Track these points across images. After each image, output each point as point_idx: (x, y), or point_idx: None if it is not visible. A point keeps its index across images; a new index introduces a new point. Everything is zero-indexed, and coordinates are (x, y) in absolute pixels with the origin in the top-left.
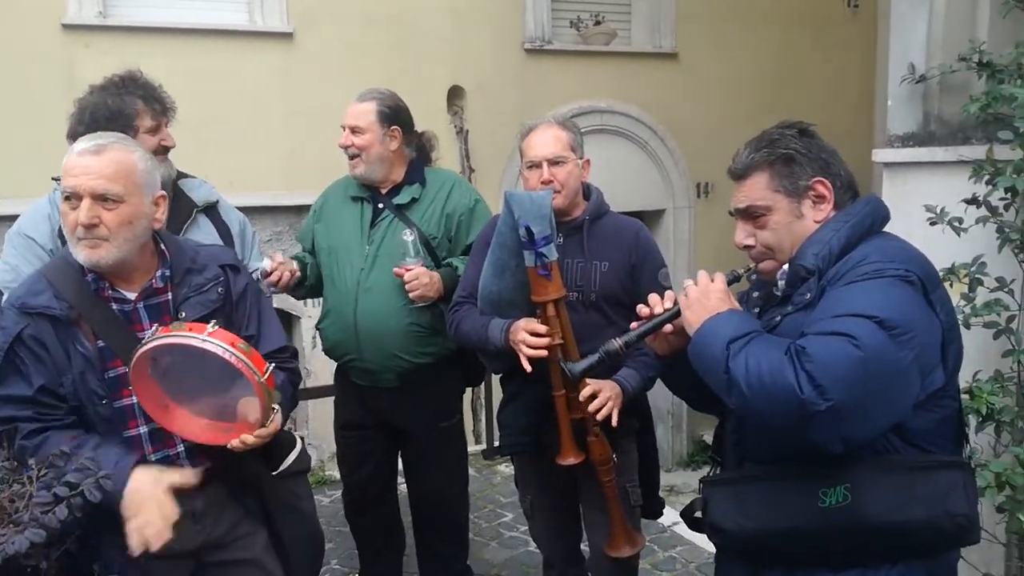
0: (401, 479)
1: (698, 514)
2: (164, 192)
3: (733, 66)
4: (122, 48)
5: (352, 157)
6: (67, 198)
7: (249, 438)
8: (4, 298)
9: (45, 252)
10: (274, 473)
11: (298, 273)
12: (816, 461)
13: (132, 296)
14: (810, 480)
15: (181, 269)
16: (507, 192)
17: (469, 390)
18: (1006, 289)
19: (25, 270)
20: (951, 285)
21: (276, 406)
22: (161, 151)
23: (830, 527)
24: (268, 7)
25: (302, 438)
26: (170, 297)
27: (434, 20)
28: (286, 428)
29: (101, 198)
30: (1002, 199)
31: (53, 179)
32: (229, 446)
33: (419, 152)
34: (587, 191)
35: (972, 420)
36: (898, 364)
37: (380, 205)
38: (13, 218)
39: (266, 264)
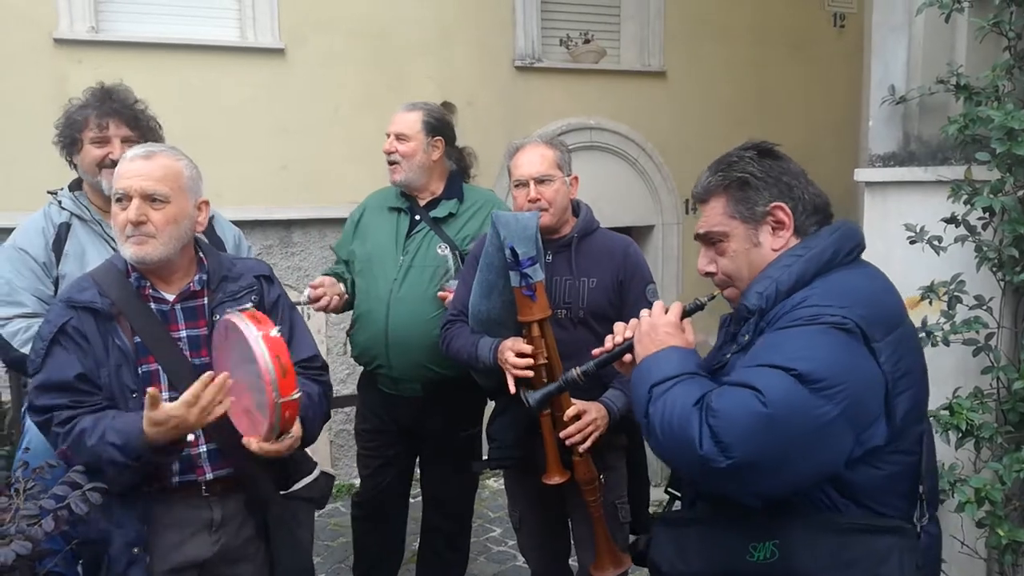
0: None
1: (642, 551)
2: (207, 198)
3: (721, 84)
4: (114, 63)
5: (393, 163)
6: (118, 200)
7: (253, 443)
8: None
9: (38, 265)
10: (282, 492)
11: (346, 295)
12: (750, 511)
13: (171, 297)
14: (742, 531)
15: (218, 276)
16: (493, 213)
17: None
18: (984, 307)
19: (18, 283)
20: (930, 303)
21: (292, 431)
22: (107, 164)
23: None
24: (260, 24)
25: (325, 473)
26: (205, 301)
27: (424, 37)
28: (304, 454)
29: (149, 198)
30: (980, 219)
31: (49, 192)
32: (243, 441)
33: (459, 165)
34: (576, 208)
35: (952, 436)
36: (814, 421)
37: (417, 217)
38: (5, 231)
39: (307, 293)
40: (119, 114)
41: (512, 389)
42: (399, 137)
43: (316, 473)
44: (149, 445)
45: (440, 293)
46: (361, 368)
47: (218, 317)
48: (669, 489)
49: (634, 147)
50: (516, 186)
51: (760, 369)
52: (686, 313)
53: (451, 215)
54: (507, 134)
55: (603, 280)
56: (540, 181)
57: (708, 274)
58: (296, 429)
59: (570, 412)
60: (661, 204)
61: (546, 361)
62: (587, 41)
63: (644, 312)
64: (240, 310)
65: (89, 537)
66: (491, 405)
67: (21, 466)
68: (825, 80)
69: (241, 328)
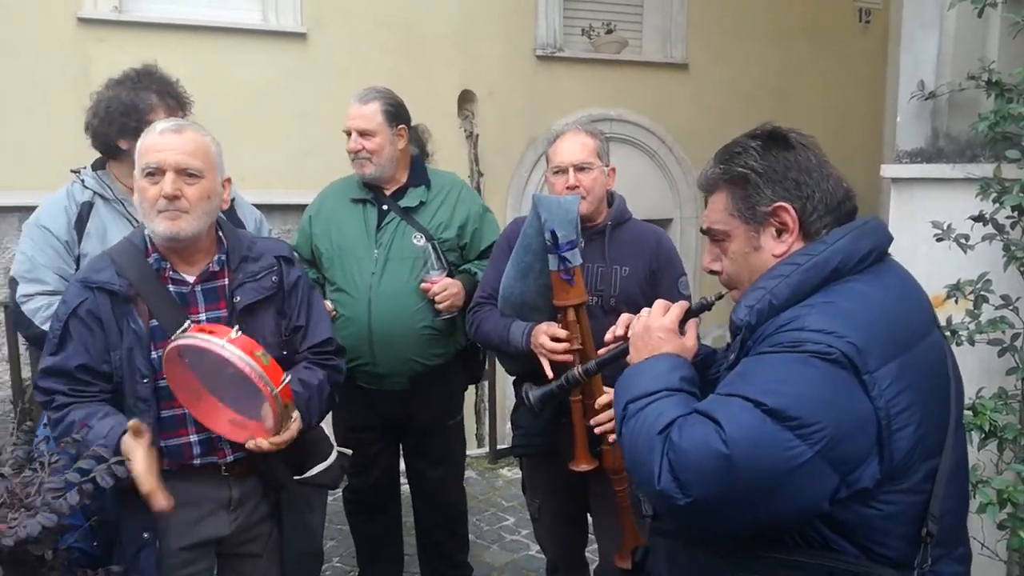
0: (403, 479)
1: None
2: (230, 176)
3: (743, 77)
4: (137, 43)
5: (360, 159)
6: (149, 174)
7: (264, 443)
8: (19, 288)
9: (60, 243)
10: (296, 478)
11: (334, 312)
12: (738, 540)
13: (191, 279)
14: (727, 558)
15: (237, 256)
16: (535, 195)
17: (473, 393)
18: (1011, 307)
19: (41, 260)
20: (956, 302)
21: (293, 415)
22: None
23: None
24: (282, 7)
25: (341, 453)
26: (226, 282)
27: (446, 24)
28: (322, 435)
29: (184, 172)
30: (1008, 217)
31: (72, 171)
32: (246, 445)
33: (418, 147)
34: (611, 198)
35: (975, 437)
36: (782, 462)
37: (385, 207)
38: (28, 208)
39: None
40: (180, 101)
41: (549, 374)
42: (363, 133)
43: (332, 457)
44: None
45: (423, 285)
46: None
47: (239, 298)
48: None
49: (654, 139)
50: (555, 172)
51: (729, 399)
52: (692, 313)
53: (421, 203)
54: (527, 124)
55: (636, 269)
56: (579, 168)
57: (713, 272)
58: (295, 419)
59: (602, 400)
60: (680, 197)
61: (580, 347)
62: (609, 31)
63: (644, 311)
64: (181, 335)
65: (106, 518)
66: (475, 398)
67: (43, 440)
68: (849, 75)
69: (204, 345)
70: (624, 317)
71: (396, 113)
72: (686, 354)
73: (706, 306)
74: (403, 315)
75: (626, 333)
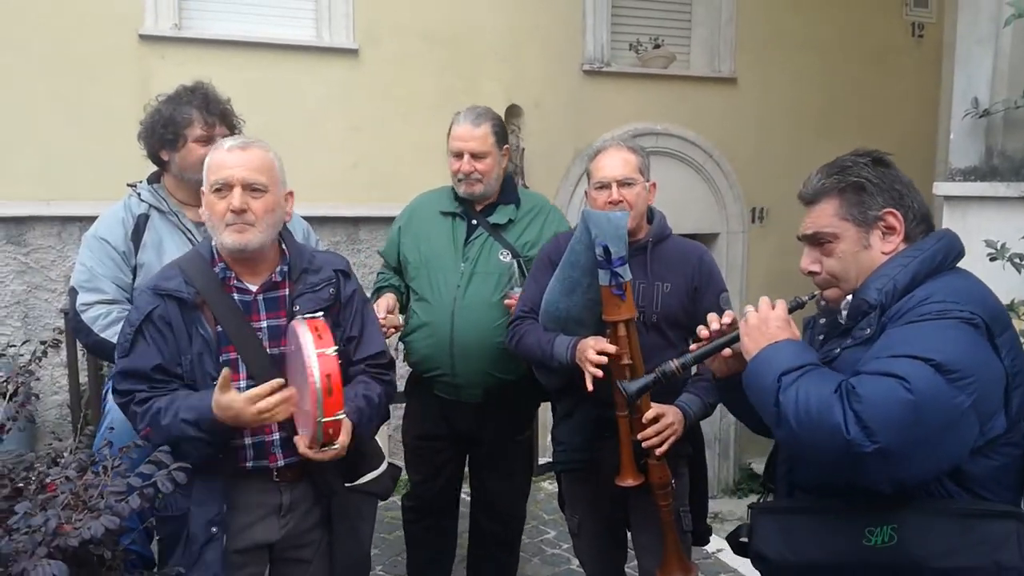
0: (464, 486)
1: (744, 539)
2: (292, 190)
3: (792, 93)
4: (195, 59)
5: (471, 180)
6: (217, 189)
7: (301, 444)
8: (79, 297)
9: (118, 254)
10: (347, 485)
11: (402, 326)
12: (865, 498)
13: (254, 288)
14: (858, 517)
15: (299, 267)
16: (584, 211)
17: None
18: None
19: (99, 271)
20: None
21: (335, 444)
22: None
23: (874, 566)
24: (335, 24)
25: (392, 465)
26: (287, 292)
27: (494, 39)
28: (375, 446)
29: (250, 187)
30: None
31: (128, 185)
32: (295, 438)
33: (512, 166)
34: (650, 214)
35: None
36: (953, 410)
37: (474, 222)
38: (90, 219)
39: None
40: (223, 115)
41: (590, 387)
42: (475, 155)
43: (383, 467)
44: (218, 422)
45: (506, 301)
46: (409, 371)
47: (298, 308)
48: (764, 482)
49: (701, 154)
50: (598, 187)
51: (898, 359)
52: (790, 310)
53: (510, 221)
54: (573, 138)
55: (677, 285)
56: (622, 184)
57: (811, 273)
58: (343, 439)
59: (649, 414)
60: (727, 212)
61: (631, 362)
62: (657, 46)
63: (749, 308)
64: (307, 318)
65: (169, 514)
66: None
67: (105, 445)
68: (900, 91)
69: (302, 340)
70: (729, 313)
71: (503, 134)
72: (800, 342)
73: (800, 304)
74: (485, 328)
75: (722, 328)
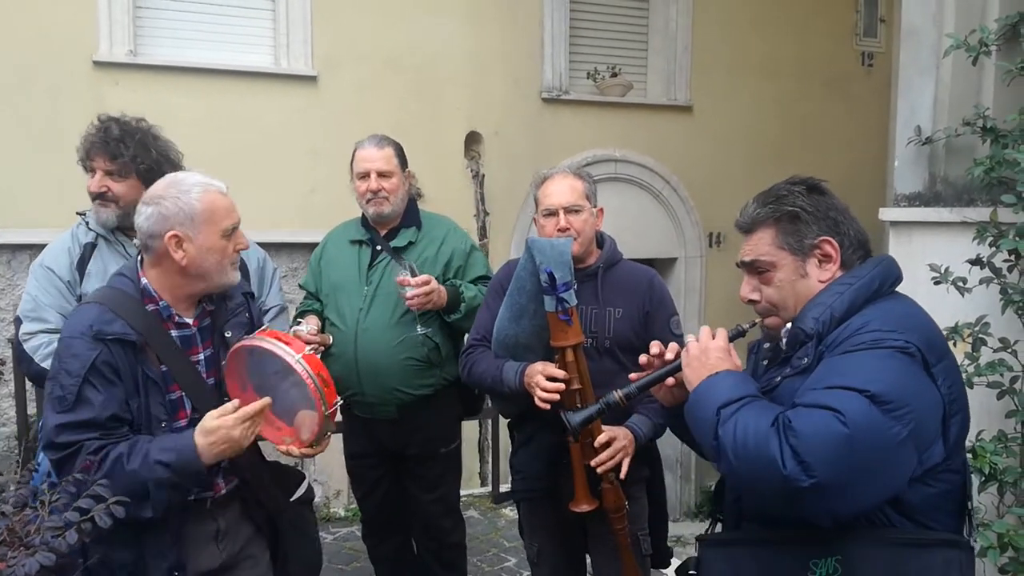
0: None
1: (692, 572)
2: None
3: (747, 119)
4: (151, 86)
5: (378, 200)
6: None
7: (295, 451)
8: (22, 327)
9: (63, 283)
10: (292, 499)
11: (329, 341)
12: (808, 529)
13: (191, 320)
14: (802, 548)
15: (219, 295)
16: (529, 238)
17: (476, 432)
18: (1009, 350)
19: (43, 300)
20: (955, 344)
21: (328, 434)
22: (97, 197)
23: None
24: (293, 50)
25: (306, 475)
26: (211, 321)
27: (454, 67)
28: (294, 465)
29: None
30: (1005, 261)
31: (78, 213)
32: (278, 449)
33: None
34: (600, 239)
35: (975, 480)
36: (889, 441)
37: (379, 247)
38: (40, 247)
39: (303, 329)
40: (102, 147)
41: (544, 406)
42: (382, 174)
43: (307, 479)
44: (197, 460)
45: (398, 279)
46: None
47: (230, 334)
48: (712, 511)
49: (659, 180)
50: (545, 215)
51: (833, 391)
52: (730, 339)
53: (411, 243)
54: (533, 164)
55: (629, 310)
56: (569, 210)
57: (751, 302)
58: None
59: (601, 439)
60: (684, 237)
61: (580, 387)
62: (614, 75)
63: (691, 337)
64: (261, 332)
65: (123, 561)
66: (479, 437)
67: (45, 480)
68: (853, 118)
69: (279, 354)
70: (673, 345)
71: (404, 158)
72: (741, 372)
73: (741, 332)
74: (387, 347)
75: (665, 358)
